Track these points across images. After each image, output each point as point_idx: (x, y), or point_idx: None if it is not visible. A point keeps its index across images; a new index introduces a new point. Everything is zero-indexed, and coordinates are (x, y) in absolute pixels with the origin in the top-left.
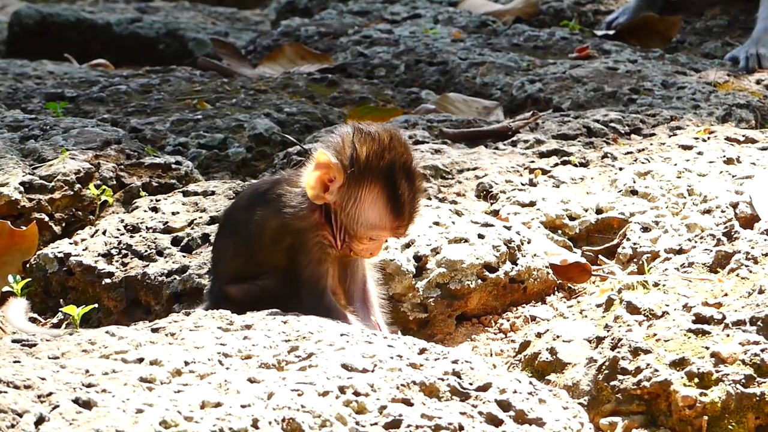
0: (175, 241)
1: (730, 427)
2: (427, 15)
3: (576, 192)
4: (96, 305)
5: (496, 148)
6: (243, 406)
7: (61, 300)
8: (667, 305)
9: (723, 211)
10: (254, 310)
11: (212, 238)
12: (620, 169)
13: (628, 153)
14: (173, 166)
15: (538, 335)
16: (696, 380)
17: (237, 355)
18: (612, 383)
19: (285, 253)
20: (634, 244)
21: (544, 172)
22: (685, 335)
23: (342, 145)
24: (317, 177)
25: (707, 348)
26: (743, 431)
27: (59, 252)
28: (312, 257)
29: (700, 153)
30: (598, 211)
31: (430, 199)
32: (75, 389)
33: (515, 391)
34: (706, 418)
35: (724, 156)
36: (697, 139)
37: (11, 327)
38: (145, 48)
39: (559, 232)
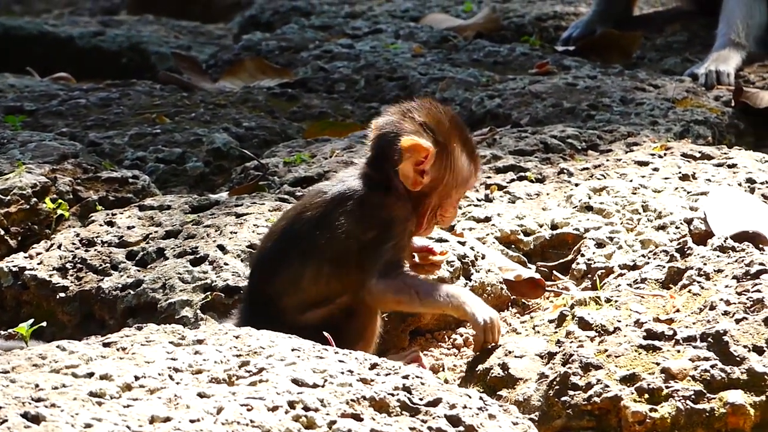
0: (130, 256)
1: None
2: (389, 30)
3: (531, 208)
4: (45, 323)
5: None
6: (192, 421)
7: (15, 314)
8: (619, 321)
9: (677, 228)
10: (335, 332)
11: (170, 253)
12: (576, 185)
13: (584, 169)
14: (130, 180)
15: (491, 351)
16: (646, 396)
17: (187, 370)
18: (563, 399)
19: (365, 250)
20: (589, 259)
21: (500, 187)
22: (636, 351)
23: (412, 124)
24: (410, 164)
25: (658, 364)
26: None
27: (14, 266)
28: (397, 244)
29: (655, 169)
30: (553, 227)
31: None
32: (24, 404)
33: (465, 407)
34: None
35: (680, 172)
36: (653, 155)
37: None
38: (108, 61)
39: (514, 247)
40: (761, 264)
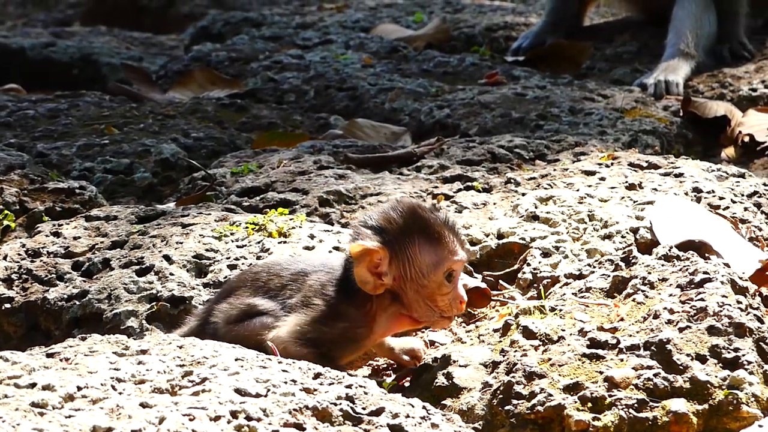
0: (76, 266)
1: None
2: (339, 41)
3: (478, 217)
4: None
5: (401, 174)
6: (134, 431)
7: None
8: (563, 330)
9: (623, 237)
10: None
11: (116, 263)
12: (523, 194)
13: (531, 178)
14: (77, 191)
15: (435, 360)
16: (589, 405)
17: (130, 380)
18: (506, 408)
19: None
20: (534, 269)
21: (447, 197)
22: (579, 360)
23: (362, 230)
24: (363, 269)
25: (601, 372)
26: None
27: None
28: (326, 333)
29: (602, 179)
30: (500, 236)
31: (332, 224)
32: None
33: (408, 416)
34: None
35: (626, 182)
36: (600, 164)
37: None
38: (59, 73)
39: None
40: (705, 273)
